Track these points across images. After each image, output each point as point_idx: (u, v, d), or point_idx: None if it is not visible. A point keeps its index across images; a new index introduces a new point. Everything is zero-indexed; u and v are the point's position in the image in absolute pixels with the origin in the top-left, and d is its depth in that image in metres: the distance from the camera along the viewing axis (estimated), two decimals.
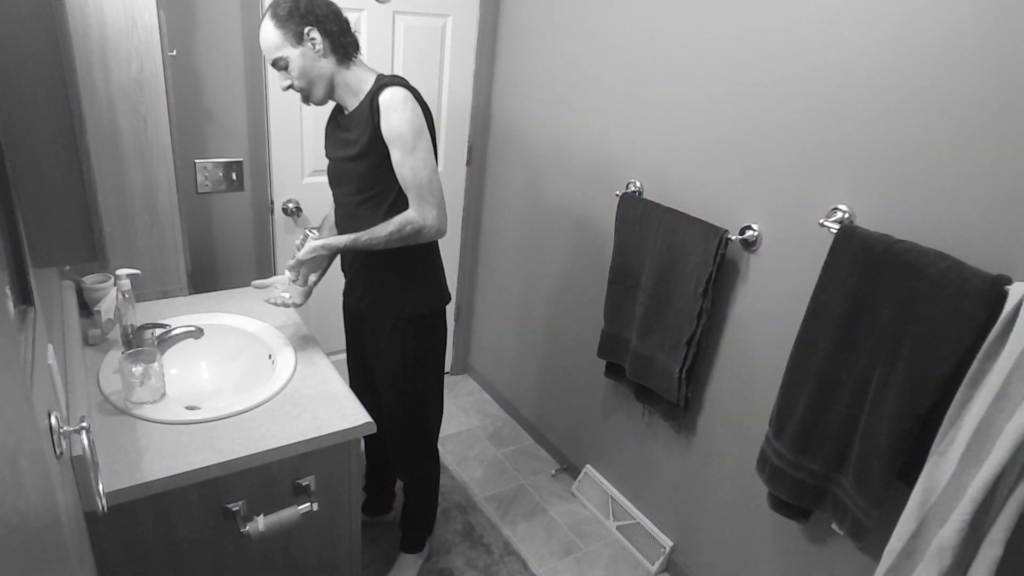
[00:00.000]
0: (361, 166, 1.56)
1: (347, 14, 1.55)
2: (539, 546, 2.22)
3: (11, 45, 0.83)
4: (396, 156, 1.52)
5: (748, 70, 1.65)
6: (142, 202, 1.71)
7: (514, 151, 2.61)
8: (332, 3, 1.53)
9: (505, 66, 2.59)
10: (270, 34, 1.48)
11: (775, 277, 1.67)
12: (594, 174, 2.21)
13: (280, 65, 1.51)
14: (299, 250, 1.58)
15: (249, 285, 1.68)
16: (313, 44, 1.49)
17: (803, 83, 1.52)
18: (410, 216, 1.54)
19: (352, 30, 1.56)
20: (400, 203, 1.56)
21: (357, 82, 1.56)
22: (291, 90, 1.54)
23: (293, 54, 1.49)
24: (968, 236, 1.27)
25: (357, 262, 1.70)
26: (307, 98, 1.57)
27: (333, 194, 1.72)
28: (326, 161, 1.70)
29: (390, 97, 1.48)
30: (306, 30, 1.47)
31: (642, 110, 1.98)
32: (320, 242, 1.57)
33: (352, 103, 1.57)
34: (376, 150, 1.53)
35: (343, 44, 1.53)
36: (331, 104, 1.64)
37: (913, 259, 1.28)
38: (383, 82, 1.52)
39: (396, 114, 1.48)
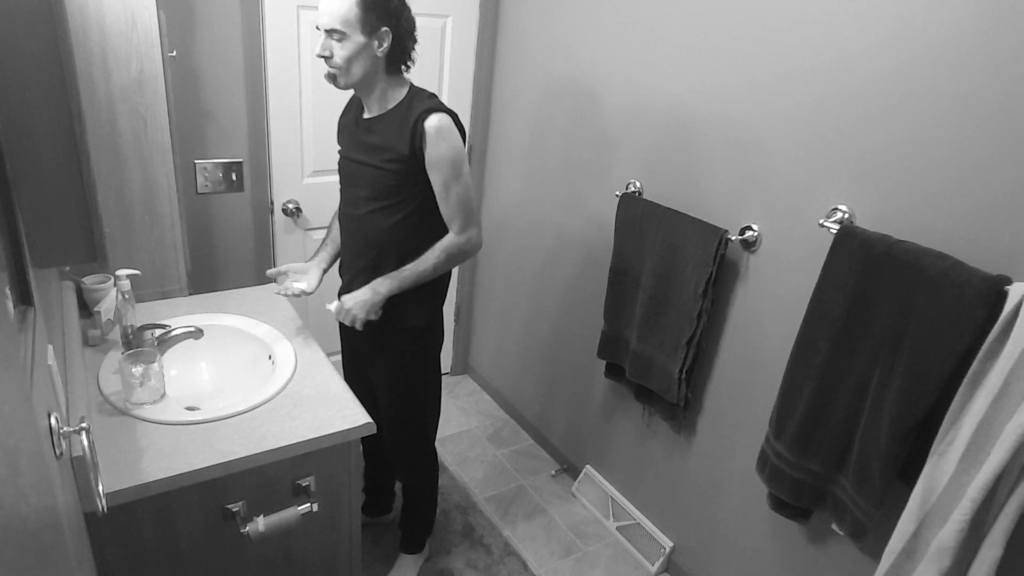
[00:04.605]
0: (385, 176, 1.54)
1: None
2: (539, 546, 2.22)
3: (11, 45, 0.83)
4: (439, 181, 1.51)
5: (748, 70, 1.65)
6: (142, 202, 1.71)
7: (514, 151, 2.61)
8: (414, 19, 1.49)
9: (505, 66, 2.59)
10: (348, 7, 1.39)
11: (775, 277, 1.67)
12: (594, 174, 2.21)
13: (333, 37, 1.42)
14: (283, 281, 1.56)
15: (249, 286, 1.68)
16: (380, 43, 1.44)
17: (802, 83, 1.52)
18: (453, 240, 1.57)
19: (416, 49, 1.52)
20: (411, 218, 1.56)
21: (390, 91, 1.53)
22: (321, 59, 1.47)
23: (356, 39, 1.41)
24: (968, 236, 1.27)
25: (358, 266, 1.67)
26: (333, 78, 1.50)
27: (342, 190, 1.68)
28: (327, 162, 1.68)
29: (437, 124, 1.46)
30: (383, 29, 1.43)
31: (642, 110, 1.98)
32: (369, 291, 1.57)
33: (375, 109, 1.55)
34: (408, 168, 1.51)
35: (403, 59, 1.51)
36: (345, 95, 1.60)
37: (913, 259, 1.28)
38: (428, 106, 1.48)
39: (445, 143, 1.47)
